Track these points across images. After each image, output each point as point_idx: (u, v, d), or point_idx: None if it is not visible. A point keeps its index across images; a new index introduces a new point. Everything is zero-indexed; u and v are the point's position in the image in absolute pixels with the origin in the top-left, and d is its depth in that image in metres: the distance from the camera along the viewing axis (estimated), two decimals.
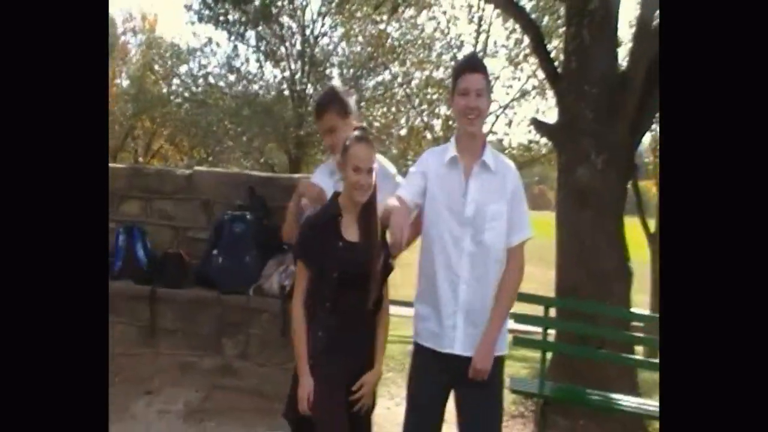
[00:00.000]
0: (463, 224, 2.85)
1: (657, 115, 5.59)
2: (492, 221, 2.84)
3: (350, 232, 2.85)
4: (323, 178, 3.37)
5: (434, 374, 2.92)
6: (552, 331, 5.02)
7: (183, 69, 21.11)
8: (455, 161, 2.91)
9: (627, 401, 4.65)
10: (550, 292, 5.44)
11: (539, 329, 4.92)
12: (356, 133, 2.90)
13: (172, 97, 20.88)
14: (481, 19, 16.66)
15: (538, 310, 4.87)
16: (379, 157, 3.10)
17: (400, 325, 11.30)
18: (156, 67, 22.99)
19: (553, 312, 4.95)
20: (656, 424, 5.08)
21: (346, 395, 2.84)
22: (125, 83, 26.49)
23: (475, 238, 2.84)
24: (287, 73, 20.16)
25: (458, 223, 2.85)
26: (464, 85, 2.86)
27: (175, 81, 21.22)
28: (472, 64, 2.97)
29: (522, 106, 18.21)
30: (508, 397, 5.34)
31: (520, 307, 6.44)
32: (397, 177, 3.38)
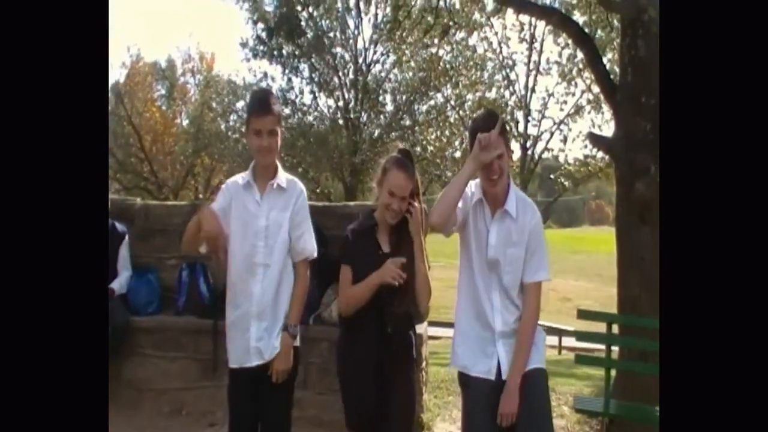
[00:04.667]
0: (488, 265, 2.93)
1: None
2: (509, 265, 2.91)
3: (384, 243, 3.03)
4: (237, 191, 3.12)
5: (485, 406, 2.89)
6: (615, 348, 4.88)
7: (240, 105, 21.62)
8: (482, 204, 2.96)
9: None
10: (610, 308, 5.32)
11: (601, 346, 4.80)
12: (397, 156, 3.03)
13: (229, 133, 21.35)
14: (533, 36, 16.59)
15: (599, 326, 4.77)
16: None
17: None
18: (214, 104, 23.57)
19: (615, 328, 4.81)
20: None
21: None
22: (185, 123, 27.23)
23: (498, 276, 2.93)
24: (341, 103, 20.44)
25: (483, 262, 2.94)
26: None
27: (233, 117, 21.73)
28: (486, 128, 2.84)
29: (577, 121, 17.97)
30: (572, 417, 5.20)
31: (581, 325, 6.30)
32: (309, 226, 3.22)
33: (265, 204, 3.07)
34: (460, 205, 2.88)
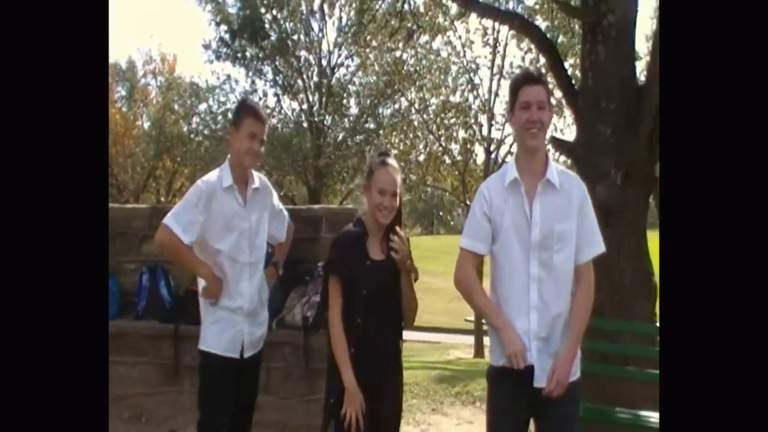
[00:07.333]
0: (530, 249, 2.73)
1: None
2: (560, 242, 2.73)
3: (375, 251, 2.97)
4: (217, 193, 3.27)
5: (513, 408, 2.84)
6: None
7: (202, 107, 21.43)
8: (516, 183, 2.78)
9: (657, 418, 4.52)
10: None
11: None
12: (381, 156, 3.03)
13: (192, 136, 21.13)
14: (496, 41, 16.71)
15: None
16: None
17: (423, 352, 11.26)
18: (176, 106, 23.29)
19: None
20: None
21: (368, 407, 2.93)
22: (146, 125, 26.86)
23: (543, 262, 2.73)
24: (305, 106, 20.35)
25: (525, 248, 2.74)
26: (525, 98, 2.73)
27: (195, 119, 21.51)
28: (532, 76, 2.82)
29: None
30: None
31: None
32: (283, 211, 3.62)
33: (249, 207, 3.29)
34: (485, 222, 2.78)
